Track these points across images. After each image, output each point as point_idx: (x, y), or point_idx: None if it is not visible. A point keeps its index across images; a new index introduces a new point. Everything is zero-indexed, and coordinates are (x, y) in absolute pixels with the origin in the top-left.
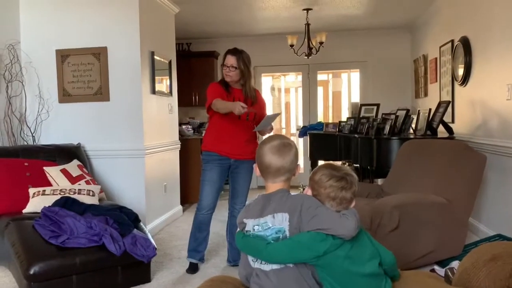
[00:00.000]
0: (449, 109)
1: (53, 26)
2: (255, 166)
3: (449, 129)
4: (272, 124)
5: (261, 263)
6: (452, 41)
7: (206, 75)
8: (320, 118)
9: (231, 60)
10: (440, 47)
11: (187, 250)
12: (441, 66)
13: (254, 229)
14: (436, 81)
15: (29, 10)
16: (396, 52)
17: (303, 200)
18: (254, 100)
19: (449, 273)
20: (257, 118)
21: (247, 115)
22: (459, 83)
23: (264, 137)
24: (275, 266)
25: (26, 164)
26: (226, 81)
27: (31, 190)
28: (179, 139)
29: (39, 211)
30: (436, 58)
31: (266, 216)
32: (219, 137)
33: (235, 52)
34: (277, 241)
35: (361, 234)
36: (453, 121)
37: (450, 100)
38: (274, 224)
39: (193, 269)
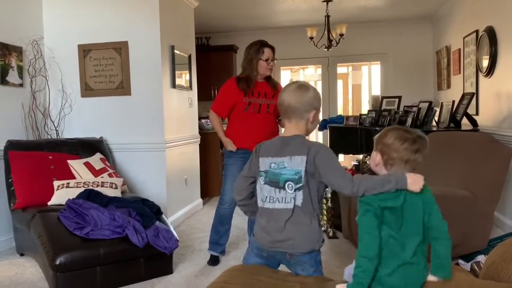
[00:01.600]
0: (473, 101)
1: (75, 22)
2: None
3: (473, 122)
4: None
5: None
6: (477, 31)
7: (225, 69)
8: (340, 111)
9: (270, 53)
10: (463, 38)
11: (208, 242)
12: (465, 57)
13: (270, 166)
14: (460, 72)
15: (52, 6)
16: (418, 44)
17: (320, 147)
18: (276, 92)
19: (475, 267)
20: (278, 110)
21: (267, 107)
22: (484, 74)
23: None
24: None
25: (50, 157)
26: (266, 75)
27: (56, 183)
28: (199, 133)
29: (64, 203)
30: (459, 49)
31: (283, 157)
32: (241, 131)
33: (269, 44)
34: (294, 182)
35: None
36: (477, 113)
37: (474, 91)
38: (291, 165)
39: (214, 261)
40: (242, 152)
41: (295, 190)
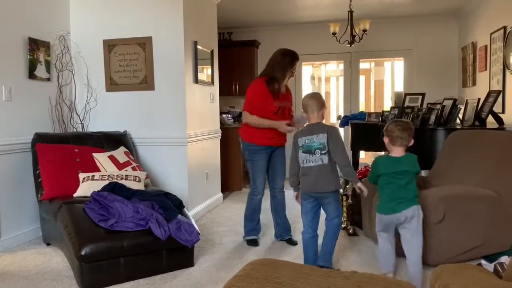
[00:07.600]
0: (499, 99)
1: (101, 17)
2: (302, 112)
3: (499, 120)
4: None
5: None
6: (505, 27)
7: (247, 65)
8: (362, 107)
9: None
10: (491, 34)
11: (244, 232)
12: (492, 54)
13: (305, 142)
14: (486, 69)
15: (78, 2)
16: (443, 40)
17: (333, 130)
18: (287, 94)
19: (499, 268)
20: (285, 110)
21: (278, 109)
22: (511, 72)
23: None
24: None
25: (76, 150)
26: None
27: (81, 175)
28: (220, 128)
29: (89, 195)
30: (486, 46)
31: (312, 135)
32: (262, 131)
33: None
34: (321, 149)
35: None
36: (503, 112)
37: (501, 89)
38: (317, 140)
39: (254, 242)
40: (264, 148)
41: (321, 154)
